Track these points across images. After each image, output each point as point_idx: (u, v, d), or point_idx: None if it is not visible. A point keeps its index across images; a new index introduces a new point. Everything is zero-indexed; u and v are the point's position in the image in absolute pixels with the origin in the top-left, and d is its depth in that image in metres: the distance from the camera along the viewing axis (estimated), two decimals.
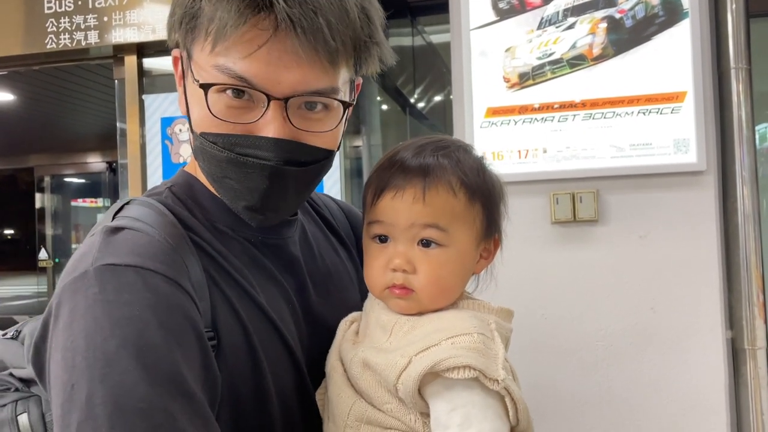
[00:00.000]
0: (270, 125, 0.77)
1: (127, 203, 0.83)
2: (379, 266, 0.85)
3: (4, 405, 0.83)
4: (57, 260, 8.16)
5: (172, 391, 0.67)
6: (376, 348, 0.83)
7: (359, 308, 0.95)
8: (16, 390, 0.85)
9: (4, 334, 0.91)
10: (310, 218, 1.01)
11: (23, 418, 0.81)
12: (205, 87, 0.76)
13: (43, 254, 8.27)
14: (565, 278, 1.99)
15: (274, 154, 0.78)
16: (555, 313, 1.99)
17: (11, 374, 0.87)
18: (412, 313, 0.84)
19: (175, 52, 0.85)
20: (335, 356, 0.87)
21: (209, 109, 0.77)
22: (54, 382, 0.69)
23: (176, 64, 0.86)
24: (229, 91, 0.76)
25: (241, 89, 0.76)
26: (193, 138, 0.83)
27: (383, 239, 0.86)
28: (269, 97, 0.76)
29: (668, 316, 1.93)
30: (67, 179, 9.42)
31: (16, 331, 0.90)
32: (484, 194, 0.86)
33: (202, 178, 0.87)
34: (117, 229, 0.77)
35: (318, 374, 0.89)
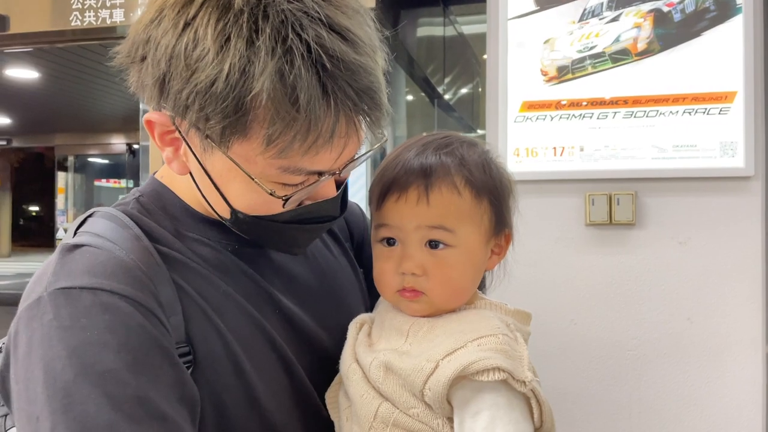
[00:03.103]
0: (329, 189, 0.78)
1: (91, 215, 0.79)
2: (389, 270, 0.84)
3: None
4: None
5: (139, 413, 0.64)
6: (396, 351, 0.81)
7: (358, 304, 0.96)
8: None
9: None
10: None
11: None
12: (287, 198, 0.74)
13: (61, 233, 8.36)
14: (598, 283, 1.90)
15: (336, 208, 0.82)
16: (586, 318, 1.91)
17: None
18: (426, 315, 0.83)
19: (160, 117, 0.73)
20: (351, 358, 0.85)
21: (284, 207, 0.75)
22: (19, 415, 0.66)
23: (159, 126, 0.75)
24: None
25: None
26: (231, 213, 0.77)
27: (391, 242, 0.84)
28: (333, 174, 0.76)
29: (705, 327, 1.84)
30: (90, 159, 9.47)
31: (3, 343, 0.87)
32: (490, 190, 0.85)
33: (176, 187, 0.83)
34: (74, 247, 0.73)
35: (318, 375, 0.87)
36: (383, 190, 0.84)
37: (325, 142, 0.68)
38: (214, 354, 0.75)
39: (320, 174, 0.73)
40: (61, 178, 9.15)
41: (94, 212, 0.80)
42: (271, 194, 0.72)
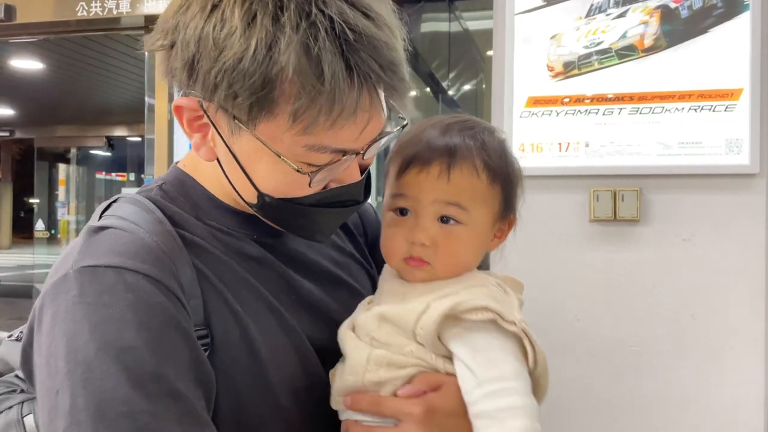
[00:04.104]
0: (353, 172, 0.80)
1: (115, 201, 0.82)
2: (398, 237, 0.87)
3: (11, 406, 0.81)
4: (53, 231, 8.30)
5: (156, 391, 0.66)
6: (391, 304, 0.86)
7: (371, 294, 0.97)
8: (23, 391, 0.84)
9: (9, 336, 0.90)
10: None
11: (29, 420, 0.79)
12: (314, 173, 0.75)
13: (39, 225, 8.39)
14: (602, 279, 1.90)
15: (360, 193, 0.84)
16: (589, 315, 1.91)
17: (17, 376, 0.86)
18: (425, 281, 0.87)
19: (189, 101, 0.75)
20: (347, 324, 0.89)
21: (310, 185, 0.76)
22: (39, 388, 0.68)
23: (187, 112, 0.77)
24: None
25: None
26: (257, 196, 0.79)
27: (404, 212, 0.88)
28: (357, 153, 0.77)
29: (709, 325, 1.84)
30: (92, 151, 9.47)
31: (21, 332, 0.88)
32: (504, 177, 0.90)
33: (199, 176, 0.85)
34: (100, 229, 0.76)
35: (331, 361, 0.89)
36: (405, 161, 0.87)
37: (350, 116, 0.70)
38: (231, 338, 0.77)
39: (344, 153, 0.75)
40: (62, 171, 9.15)
41: (118, 198, 0.83)
42: (298, 171, 0.73)
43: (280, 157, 0.73)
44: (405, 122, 0.81)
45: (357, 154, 0.76)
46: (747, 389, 1.82)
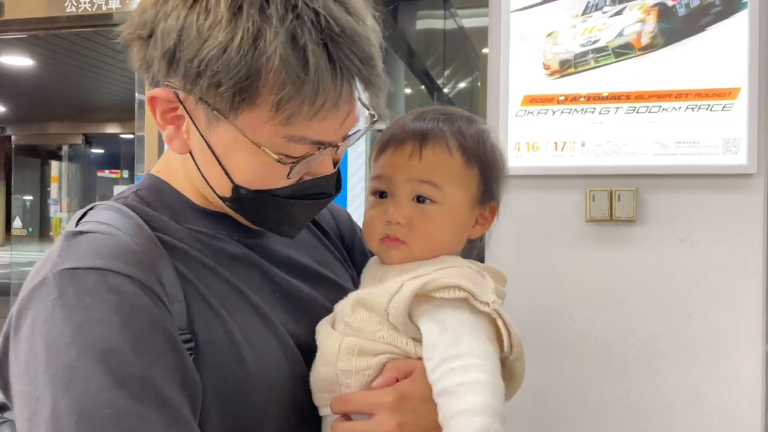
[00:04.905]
0: (327, 164, 0.81)
1: (92, 208, 0.80)
2: (376, 218, 0.89)
3: None
4: (30, 230, 8.26)
5: (141, 393, 0.64)
6: (367, 288, 0.87)
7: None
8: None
9: None
10: None
11: None
12: (294, 164, 0.75)
13: (17, 223, 8.34)
14: (598, 279, 1.89)
15: (332, 186, 0.84)
16: (584, 315, 1.89)
17: None
18: (404, 262, 0.88)
19: (165, 92, 0.75)
20: (327, 320, 0.88)
21: (288, 176, 0.76)
22: (18, 396, 0.65)
23: (162, 103, 0.76)
24: None
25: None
26: (232, 189, 0.78)
27: (383, 195, 0.90)
28: (334, 146, 0.78)
29: (706, 325, 1.83)
30: (84, 148, 9.42)
31: None
32: (481, 160, 0.90)
33: (173, 181, 0.84)
34: (79, 233, 0.73)
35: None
36: (381, 145, 0.91)
37: (332, 107, 0.72)
38: (215, 342, 0.76)
39: (322, 145, 0.76)
40: (54, 167, 9.12)
41: (95, 205, 0.81)
42: (279, 161, 0.73)
43: (260, 147, 0.73)
44: (375, 119, 0.83)
45: (334, 147, 0.78)
46: (744, 391, 1.81)
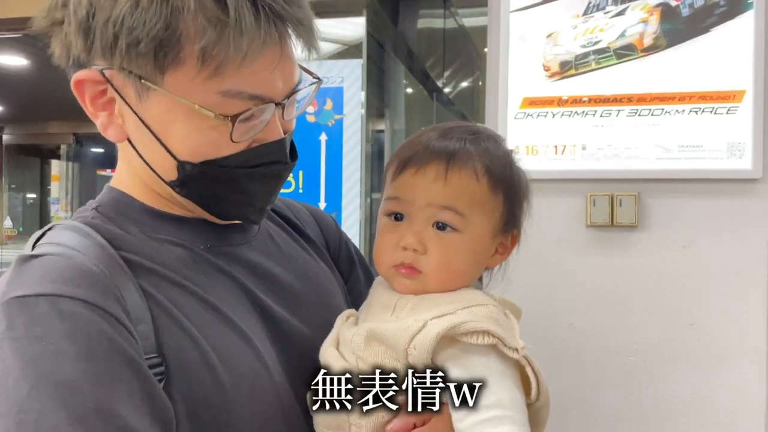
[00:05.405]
0: (275, 128, 0.76)
1: (50, 229, 0.77)
2: (390, 243, 0.83)
3: None
4: (21, 229, 8.22)
5: (102, 428, 0.60)
6: (382, 321, 0.81)
7: (342, 305, 0.93)
8: None
9: None
10: (272, 222, 0.95)
11: None
12: (234, 118, 0.71)
13: (8, 223, 8.30)
14: (598, 286, 1.84)
15: (285, 153, 0.78)
16: (584, 322, 1.85)
17: None
18: (417, 294, 0.82)
19: (90, 73, 0.72)
20: (329, 342, 0.83)
21: (232, 138, 0.72)
22: None
23: (90, 87, 0.73)
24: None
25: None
26: (177, 168, 0.74)
27: (398, 217, 0.84)
28: (276, 104, 0.74)
29: (708, 334, 1.78)
30: (83, 148, 9.40)
31: None
32: (507, 185, 0.84)
33: (132, 190, 0.80)
34: (31, 257, 0.69)
35: (300, 381, 0.82)
36: (402, 163, 0.83)
37: (259, 47, 0.68)
38: (189, 365, 0.71)
39: (262, 100, 0.72)
40: (54, 167, 9.11)
41: (53, 225, 0.77)
42: (216, 116, 0.70)
43: (195, 107, 0.69)
44: (318, 80, 0.80)
45: (276, 104, 0.74)
46: (747, 400, 1.77)
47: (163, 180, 0.76)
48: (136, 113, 0.72)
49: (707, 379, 1.79)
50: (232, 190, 0.77)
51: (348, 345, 0.80)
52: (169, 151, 0.73)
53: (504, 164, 0.85)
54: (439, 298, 0.81)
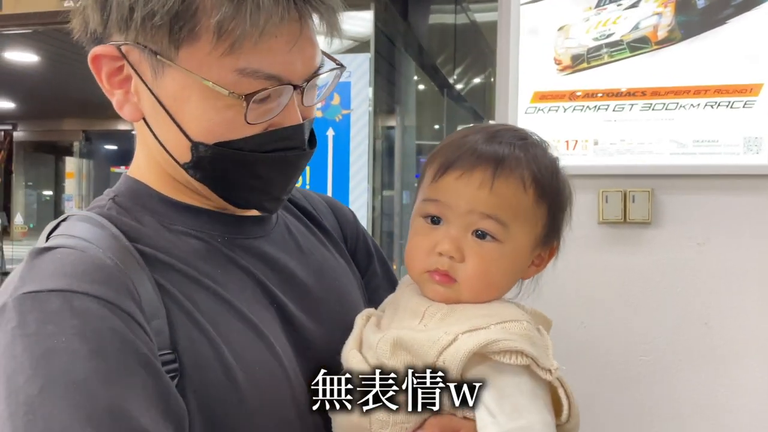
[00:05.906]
0: (293, 112, 0.74)
1: (64, 220, 0.75)
2: (425, 247, 0.80)
3: None
4: (32, 225, 8.27)
5: (112, 428, 0.58)
6: (410, 329, 0.77)
7: (360, 303, 0.91)
8: None
9: None
10: (290, 213, 0.93)
11: None
12: (249, 97, 0.69)
13: (18, 219, 8.35)
14: (611, 284, 1.81)
15: (303, 140, 0.77)
16: (596, 321, 1.83)
17: None
18: (448, 302, 0.79)
19: (107, 48, 0.72)
20: (352, 344, 0.80)
21: (246, 119, 0.70)
22: None
23: (106, 63, 0.74)
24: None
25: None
26: (191, 149, 0.73)
27: (436, 221, 0.80)
28: (294, 87, 0.72)
29: (723, 333, 1.75)
30: (96, 144, 9.47)
31: None
32: (553, 196, 0.81)
33: (149, 179, 0.80)
34: (45, 250, 0.68)
35: (316, 377, 0.78)
36: (444, 164, 0.80)
37: (276, 24, 0.67)
38: (203, 362, 0.69)
39: (279, 81, 0.71)
40: (68, 163, 9.19)
41: (68, 216, 0.75)
42: (230, 95, 0.69)
43: (209, 84, 0.68)
44: (341, 67, 0.78)
45: (294, 87, 0.72)
46: (763, 399, 1.74)
47: (177, 162, 0.75)
48: (151, 90, 0.72)
49: (721, 378, 1.75)
50: (247, 175, 0.75)
51: (373, 350, 0.77)
52: (183, 131, 0.72)
53: (551, 174, 0.81)
54: (471, 309, 0.78)
